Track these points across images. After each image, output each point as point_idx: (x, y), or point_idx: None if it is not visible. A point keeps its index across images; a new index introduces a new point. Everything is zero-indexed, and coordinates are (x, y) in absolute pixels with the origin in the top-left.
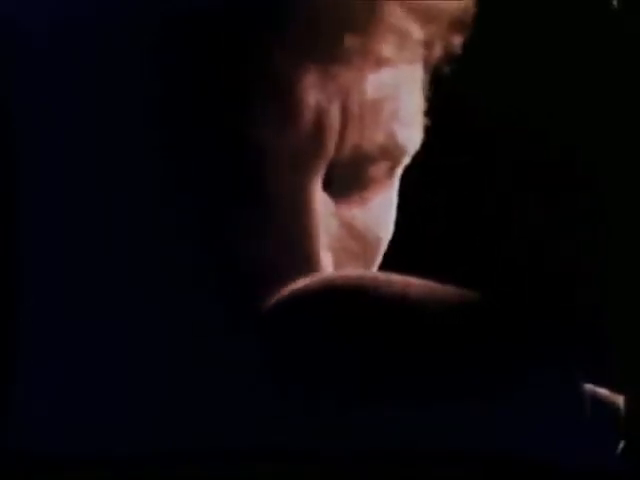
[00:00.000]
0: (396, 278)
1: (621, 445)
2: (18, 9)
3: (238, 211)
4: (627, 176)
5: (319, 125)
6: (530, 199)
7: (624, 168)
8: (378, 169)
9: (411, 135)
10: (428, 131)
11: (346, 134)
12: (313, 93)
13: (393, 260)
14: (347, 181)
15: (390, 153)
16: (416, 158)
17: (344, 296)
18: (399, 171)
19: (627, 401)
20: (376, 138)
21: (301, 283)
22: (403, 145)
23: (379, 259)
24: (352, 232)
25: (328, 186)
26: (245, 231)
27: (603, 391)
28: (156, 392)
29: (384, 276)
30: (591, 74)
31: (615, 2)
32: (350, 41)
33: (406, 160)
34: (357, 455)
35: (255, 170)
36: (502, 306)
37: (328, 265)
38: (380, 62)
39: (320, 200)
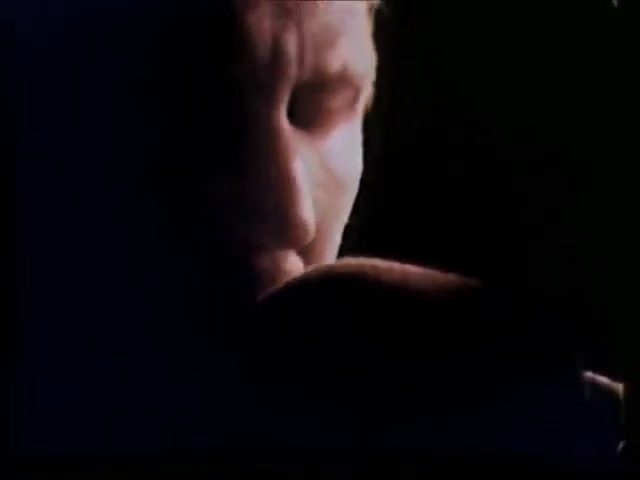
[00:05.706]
0: (397, 266)
1: (621, 445)
2: (18, 10)
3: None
4: (627, 175)
5: (277, 50)
6: (531, 191)
7: (624, 167)
8: (340, 99)
9: (365, 59)
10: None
11: (304, 57)
12: (267, 20)
13: (394, 249)
14: (310, 112)
15: (349, 79)
16: (425, 146)
17: (344, 285)
18: (361, 104)
19: (628, 401)
20: (334, 61)
21: (299, 274)
22: (359, 70)
23: (352, 199)
24: (325, 166)
25: (294, 118)
26: (222, 178)
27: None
28: (156, 391)
29: (385, 264)
30: (590, 74)
31: (615, 2)
32: None
33: (366, 91)
34: (357, 454)
35: (221, 109)
36: (504, 294)
37: (308, 200)
38: None
39: (289, 129)
